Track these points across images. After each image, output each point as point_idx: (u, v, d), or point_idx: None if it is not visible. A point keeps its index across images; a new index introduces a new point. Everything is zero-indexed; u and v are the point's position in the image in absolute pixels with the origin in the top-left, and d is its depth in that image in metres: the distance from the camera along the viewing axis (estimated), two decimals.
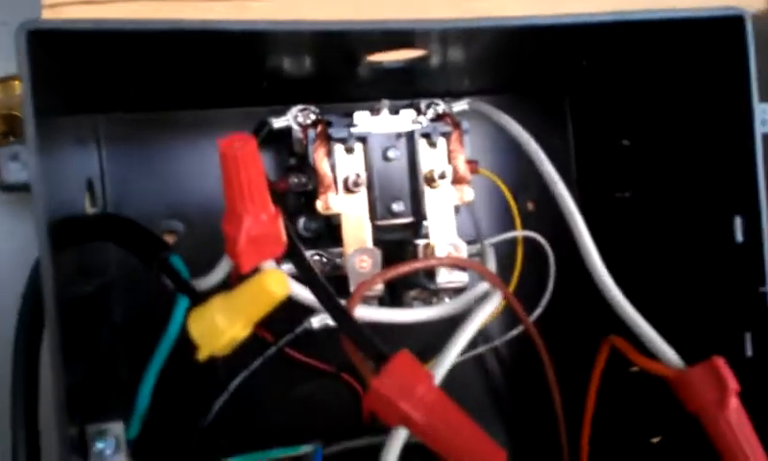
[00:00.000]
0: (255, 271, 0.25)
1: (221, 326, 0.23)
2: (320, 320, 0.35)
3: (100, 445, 0.26)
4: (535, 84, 0.43)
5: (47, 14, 0.39)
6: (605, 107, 0.42)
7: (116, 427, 0.26)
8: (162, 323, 0.30)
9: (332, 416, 0.38)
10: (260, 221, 0.25)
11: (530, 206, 0.43)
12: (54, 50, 0.26)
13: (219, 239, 0.34)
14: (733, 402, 0.27)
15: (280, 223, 0.26)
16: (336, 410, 0.38)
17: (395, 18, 0.29)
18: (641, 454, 0.40)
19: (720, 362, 0.28)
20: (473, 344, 0.41)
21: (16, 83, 0.64)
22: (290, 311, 0.32)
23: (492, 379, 0.43)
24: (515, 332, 0.41)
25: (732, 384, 0.27)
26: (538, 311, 0.39)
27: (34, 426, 0.32)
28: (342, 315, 0.26)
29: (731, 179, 0.32)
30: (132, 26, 0.26)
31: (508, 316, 0.41)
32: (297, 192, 0.36)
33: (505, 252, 0.40)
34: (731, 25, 0.31)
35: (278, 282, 0.23)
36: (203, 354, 0.24)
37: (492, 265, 0.35)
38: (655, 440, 0.39)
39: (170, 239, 0.38)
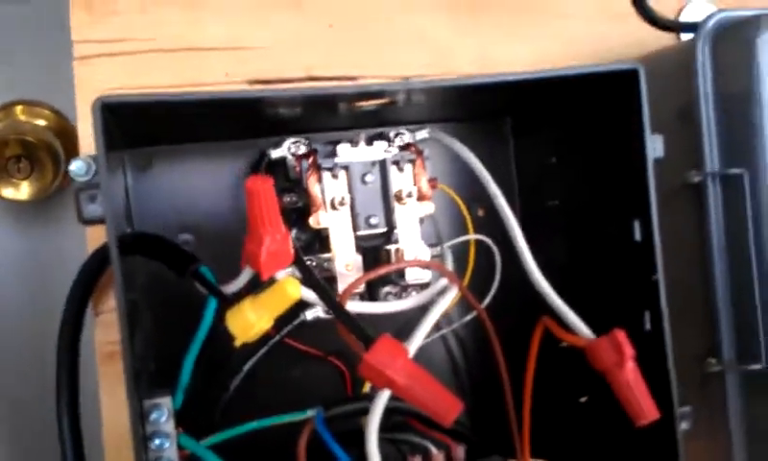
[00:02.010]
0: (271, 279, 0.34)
1: (252, 320, 0.32)
2: (312, 313, 0.43)
3: (155, 415, 0.34)
4: (483, 113, 0.51)
5: (78, 65, 0.47)
6: (537, 129, 0.51)
7: (167, 401, 0.35)
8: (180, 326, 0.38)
9: (322, 391, 0.46)
10: (276, 240, 0.33)
11: (480, 212, 0.52)
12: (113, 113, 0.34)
13: (224, 247, 0.42)
14: (630, 364, 0.36)
15: (290, 241, 0.34)
16: (325, 386, 0.47)
17: (370, 83, 0.37)
18: (573, 412, 0.49)
19: (619, 333, 0.37)
20: (437, 327, 0.50)
21: (18, 108, 0.70)
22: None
23: (452, 355, 0.51)
24: (469, 317, 0.50)
25: (629, 350, 0.37)
26: (487, 300, 0.48)
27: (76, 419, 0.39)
28: (338, 308, 0.35)
29: (631, 191, 0.41)
30: (171, 98, 0.34)
31: (464, 304, 0.50)
32: (290, 209, 0.44)
33: (460, 252, 0.49)
34: (629, 76, 0.40)
35: (295, 287, 0.32)
36: (238, 342, 0.32)
37: (449, 264, 0.44)
38: (583, 400, 0.49)
39: None
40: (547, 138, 0.50)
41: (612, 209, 0.43)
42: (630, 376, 0.36)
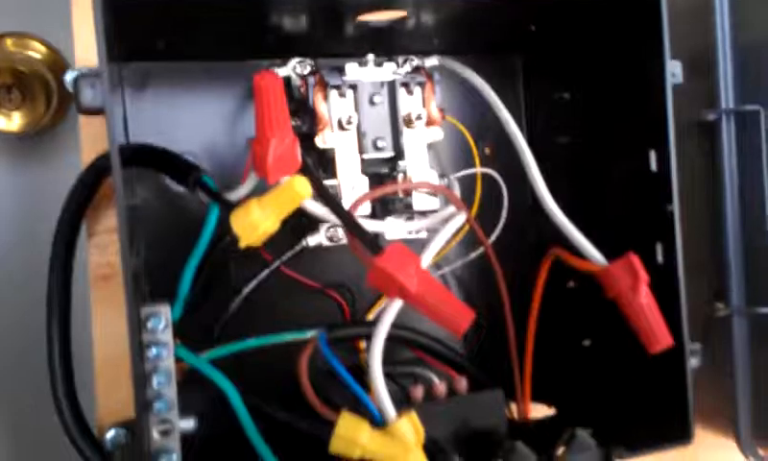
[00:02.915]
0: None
1: (257, 220, 0.30)
2: (314, 239, 0.42)
3: (152, 322, 0.33)
4: (492, 45, 0.50)
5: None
6: (550, 66, 0.49)
7: (165, 309, 0.33)
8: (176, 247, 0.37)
9: (321, 321, 0.45)
10: (284, 143, 0.32)
11: (487, 150, 0.51)
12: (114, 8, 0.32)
13: (224, 172, 0.41)
14: (644, 289, 0.35)
15: (297, 147, 0.33)
16: (324, 317, 0.45)
17: None
18: (576, 354, 0.48)
19: (633, 257, 0.36)
20: (437, 266, 0.49)
21: (9, 40, 0.68)
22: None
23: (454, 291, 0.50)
24: (473, 255, 0.48)
25: (643, 275, 0.36)
26: (494, 236, 0.47)
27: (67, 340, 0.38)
28: (346, 215, 0.33)
29: (648, 121, 0.40)
30: None
31: (465, 244, 0.49)
32: (296, 132, 0.42)
33: (466, 188, 0.48)
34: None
35: (303, 185, 0.30)
36: (242, 244, 0.31)
37: (457, 192, 0.43)
38: (586, 343, 0.48)
39: None
40: (559, 75, 0.49)
41: (627, 141, 0.42)
42: (644, 301, 0.35)
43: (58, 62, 0.67)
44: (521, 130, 0.51)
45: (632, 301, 0.35)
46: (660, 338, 0.35)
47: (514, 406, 0.45)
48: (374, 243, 0.32)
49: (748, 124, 0.45)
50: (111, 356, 0.43)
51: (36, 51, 0.67)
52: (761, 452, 0.48)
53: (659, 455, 0.55)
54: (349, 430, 0.32)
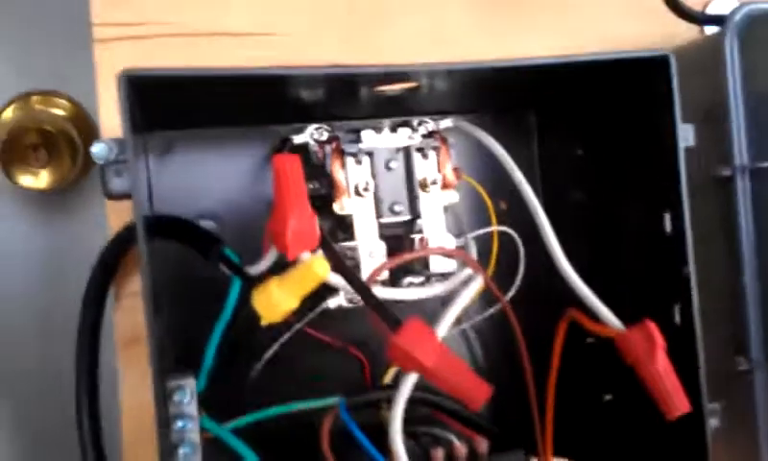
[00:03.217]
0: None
1: (279, 299, 0.31)
2: (335, 301, 0.43)
3: (178, 396, 0.34)
4: (507, 104, 0.51)
5: (98, 48, 0.46)
6: (564, 123, 0.50)
7: (190, 382, 0.34)
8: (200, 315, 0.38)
9: (343, 381, 0.45)
10: (302, 219, 0.32)
11: (503, 205, 0.51)
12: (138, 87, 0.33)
13: (245, 235, 0.42)
14: (661, 355, 0.36)
15: (316, 222, 0.34)
16: (346, 376, 0.46)
17: (393, 63, 0.37)
18: (597, 410, 0.48)
19: (650, 324, 0.36)
20: (458, 321, 0.49)
21: (34, 98, 0.70)
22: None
23: (473, 351, 0.51)
24: (491, 311, 0.49)
25: (660, 341, 0.36)
26: (511, 293, 0.47)
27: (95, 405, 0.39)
28: (365, 290, 0.34)
29: (661, 183, 0.41)
30: (194, 73, 0.34)
31: (484, 300, 0.49)
32: (313, 196, 0.43)
33: (483, 245, 0.49)
34: (659, 63, 0.40)
35: (322, 266, 0.31)
36: (265, 321, 0.32)
37: (473, 254, 0.44)
38: (607, 397, 0.48)
39: None
40: (573, 131, 0.49)
41: (641, 201, 0.43)
42: (661, 367, 0.35)
43: (82, 118, 0.69)
44: (537, 185, 0.53)
45: (649, 367, 0.36)
46: (679, 404, 0.35)
47: None
48: (393, 319, 0.32)
49: (763, 179, 0.45)
50: (140, 419, 0.44)
51: (62, 108, 0.69)
52: None
53: None
54: None
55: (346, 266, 0.35)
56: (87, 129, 0.68)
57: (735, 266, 0.46)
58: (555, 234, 0.41)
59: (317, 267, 0.31)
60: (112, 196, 0.32)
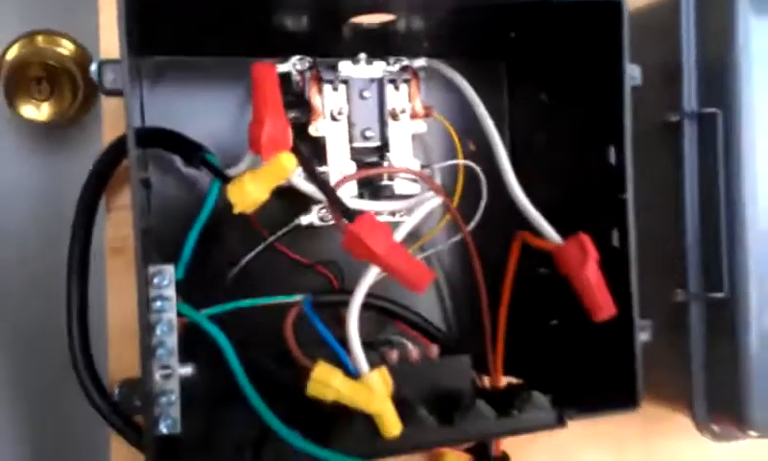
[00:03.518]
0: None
1: (250, 190, 0.35)
2: (307, 219, 0.46)
3: (158, 279, 0.38)
4: (478, 51, 0.54)
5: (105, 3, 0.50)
6: (530, 70, 0.54)
7: (169, 269, 0.38)
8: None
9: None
10: (276, 125, 0.36)
11: (472, 146, 0.55)
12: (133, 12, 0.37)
13: (227, 152, 0.46)
14: (591, 263, 0.40)
15: (289, 129, 0.38)
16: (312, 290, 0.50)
17: None
18: (544, 333, 0.52)
19: (584, 236, 0.40)
20: (422, 249, 0.53)
21: (40, 37, 0.74)
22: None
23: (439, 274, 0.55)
24: (454, 239, 0.53)
25: (592, 251, 0.40)
26: (472, 224, 0.51)
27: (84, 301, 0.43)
28: (326, 186, 0.38)
29: (608, 118, 0.45)
30: None
31: (449, 230, 0.53)
32: (295, 123, 0.47)
33: (451, 179, 0.53)
34: (613, 7, 0.43)
35: (290, 160, 0.35)
36: (236, 210, 0.36)
37: (437, 179, 0.48)
38: (553, 322, 0.52)
39: None
40: (538, 79, 0.53)
41: (593, 138, 0.47)
42: (591, 275, 0.40)
43: (84, 59, 0.73)
44: (506, 130, 0.57)
45: (580, 274, 0.40)
46: (605, 307, 0.39)
47: (487, 379, 0.50)
48: (349, 211, 0.37)
49: (706, 125, 0.49)
50: (123, 323, 0.48)
51: (65, 48, 0.73)
52: (715, 428, 0.52)
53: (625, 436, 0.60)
54: (324, 375, 0.37)
55: (312, 167, 0.39)
56: (88, 69, 0.72)
57: (679, 206, 0.50)
58: (511, 165, 0.46)
59: (285, 160, 0.35)
60: (107, 92, 0.36)
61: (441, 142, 0.53)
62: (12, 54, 0.71)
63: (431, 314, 0.53)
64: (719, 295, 0.49)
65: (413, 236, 0.50)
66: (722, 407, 0.51)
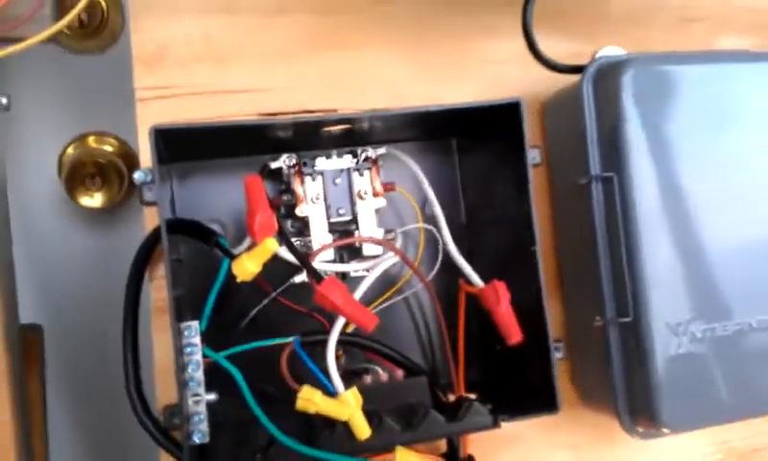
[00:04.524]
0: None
1: (247, 265, 0.50)
2: (300, 278, 0.61)
3: (187, 332, 0.52)
4: (432, 134, 0.69)
5: (139, 105, 0.66)
6: (474, 148, 0.68)
7: (195, 323, 0.53)
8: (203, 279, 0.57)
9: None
10: (264, 216, 0.51)
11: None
12: (164, 136, 0.52)
13: (240, 228, 0.60)
14: (504, 303, 0.54)
15: (275, 218, 0.52)
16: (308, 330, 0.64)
17: (341, 113, 0.55)
18: (492, 357, 0.65)
19: (498, 283, 0.54)
20: (400, 292, 0.67)
21: (90, 138, 0.90)
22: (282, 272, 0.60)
23: (412, 313, 0.66)
24: (419, 286, 0.66)
25: (503, 292, 0.54)
26: (432, 274, 0.65)
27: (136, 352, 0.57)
28: (302, 258, 0.53)
29: (522, 189, 0.58)
30: (200, 126, 0.53)
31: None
32: (286, 205, 0.62)
33: (414, 240, 0.67)
34: (514, 106, 0.57)
35: (273, 243, 0.50)
36: (238, 280, 0.50)
37: (398, 244, 0.62)
38: (498, 348, 0.65)
39: None
40: (478, 153, 0.67)
41: (512, 202, 0.60)
42: (503, 311, 0.53)
43: (127, 152, 0.88)
44: (459, 195, 0.70)
45: (496, 311, 0.54)
46: (514, 335, 0.53)
47: (452, 396, 0.63)
48: (318, 275, 0.51)
49: (607, 186, 0.62)
50: (165, 363, 0.63)
51: (111, 145, 0.88)
52: (639, 429, 0.64)
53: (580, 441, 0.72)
54: (308, 394, 0.51)
55: (292, 244, 0.53)
56: (131, 160, 0.87)
57: (593, 249, 0.63)
58: (449, 233, 0.60)
59: (270, 244, 0.49)
60: (146, 203, 0.51)
61: (406, 209, 0.67)
62: (68, 155, 0.87)
63: (410, 346, 0.67)
64: (627, 319, 0.61)
65: (390, 282, 0.65)
66: (641, 412, 0.62)
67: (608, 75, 0.61)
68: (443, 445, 0.64)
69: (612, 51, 0.72)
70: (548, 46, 0.70)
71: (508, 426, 0.66)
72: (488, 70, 0.72)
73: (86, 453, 0.67)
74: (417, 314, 0.68)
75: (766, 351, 0.62)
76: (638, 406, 0.62)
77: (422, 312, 0.68)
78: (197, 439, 0.51)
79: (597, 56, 0.71)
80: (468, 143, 0.68)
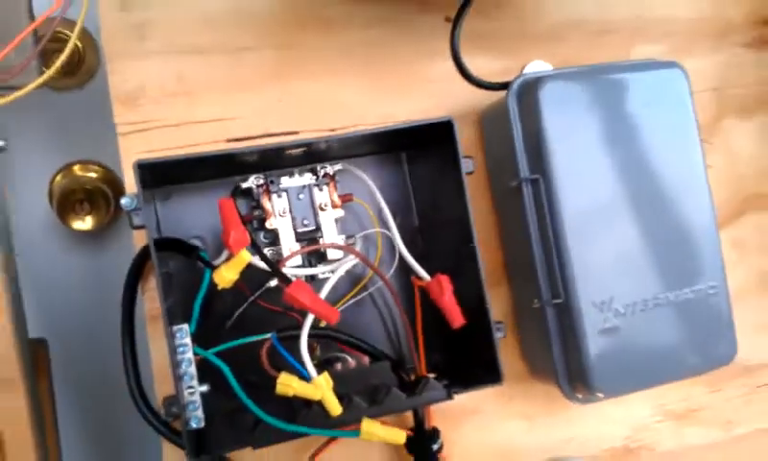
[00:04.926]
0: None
1: (225, 275, 0.59)
2: (275, 282, 0.70)
3: (179, 334, 0.61)
4: (384, 149, 0.78)
5: (120, 138, 0.74)
6: (422, 159, 0.77)
7: (185, 326, 0.61)
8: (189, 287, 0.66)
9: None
10: (238, 231, 0.60)
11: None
12: (146, 168, 0.61)
13: (217, 243, 0.69)
14: (447, 293, 0.63)
15: (247, 233, 0.61)
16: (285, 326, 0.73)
17: (301, 138, 0.64)
18: (448, 339, 0.74)
19: (441, 276, 0.63)
20: (366, 288, 0.76)
21: (76, 166, 0.98)
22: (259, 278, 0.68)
23: (378, 306, 0.75)
24: (379, 284, 0.76)
25: (446, 284, 0.63)
26: (390, 272, 0.74)
27: (134, 357, 0.66)
28: (273, 265, 0.62)
29: (456, 192, 0.68)
30: (178, 158, 0.61)
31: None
32: (257, 219, 0.71)
33: (374, 243, 0.76)
34: (448, 125, 0.67)
35: (247, 255, 0.58)
36: (220, 287, 0.59)
37: (358, 247, 0.71)
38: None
39: None
40: (425, 163, 0.77)
41: (453, 206, 0.70)
42: (447, 300, 0.63)
43: (112, 178, 0.97)
44: (412, 201, 0.79)
45: (441, 300, 0.63)
46: (456, 320, 0.63)
47: (413, 375, 0.73)
48: (286, 278, 0.60)
49: (535, 187, 0.72)
50: (162, 362, 0.71)
51: (96, 172, 0.97)
52: (579, 395, 0.74)
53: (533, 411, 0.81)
54: (285, 380, 0.60)
55: (263, 253, 0.62)
56: (116, 185, 0.96)
57: (528, 242, 0.73)
58: (400, 235, 0.69)
59: (244, 255, 0.58)
60: (135, 227, 0.60)
61: (363, 219, 0.76)
62: (57, 184, 0.96)
63: (379, 336, 0.75)
64: (559, 301, 0.71)
65: (356, 281, 0.74)
66: (577, 381, 0.71)
67: (528, 90, 0.70)
68: (410, 420, 0.73)
69: (537, 66, 0.81)
70: (483, 63, 0.80)
71: (468, 401, 0.76)
72: (432, 88, 0.80)
73: (94, 449, 0.75)
74: (382, 308, 0.77)
75: (675, 322, 0.72)
76: (575, 375, 0.72)
77: (387, 306, 0.76)
78: (194, 424, 0.60)
79: (524, 70, 0.80)
80: (416, 155, 0.77)
